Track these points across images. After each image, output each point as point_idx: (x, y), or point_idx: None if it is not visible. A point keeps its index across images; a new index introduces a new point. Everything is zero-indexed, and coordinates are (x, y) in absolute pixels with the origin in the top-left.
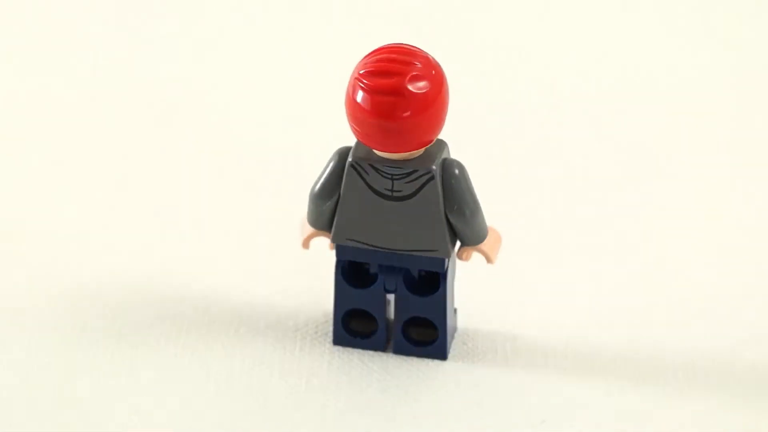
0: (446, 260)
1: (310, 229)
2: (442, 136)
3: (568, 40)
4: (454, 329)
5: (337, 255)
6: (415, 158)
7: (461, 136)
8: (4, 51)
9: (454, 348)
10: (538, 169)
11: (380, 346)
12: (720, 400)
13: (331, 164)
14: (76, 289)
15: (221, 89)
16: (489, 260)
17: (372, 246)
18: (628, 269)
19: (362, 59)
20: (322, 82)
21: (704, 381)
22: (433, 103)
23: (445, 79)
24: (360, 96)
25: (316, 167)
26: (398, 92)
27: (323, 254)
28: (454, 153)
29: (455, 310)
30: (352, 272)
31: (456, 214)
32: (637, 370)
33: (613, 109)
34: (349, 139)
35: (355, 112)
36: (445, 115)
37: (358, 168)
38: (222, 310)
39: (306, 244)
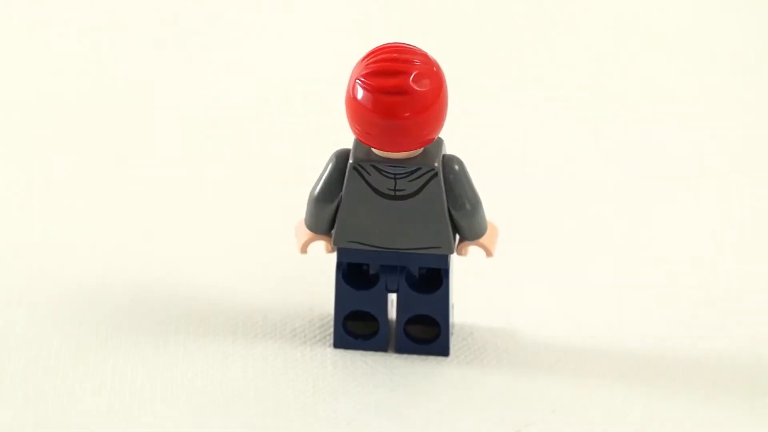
0: (449, 257)
1: (306, 234)
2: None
3: (571, 36)
4: (453, 325)
5: (339, 257)
6: (416, 156)
7: (461, 133)
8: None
9: (454, 344)
10: (539, 167)
11: (382, 346)
12: (723, 401)
13: (330, 167)
14: (74, 291)
15: (219, 91)
16: (489, 253)
17: (374, 247)
18: (630, 268)
19: (361, 59)
20: (321, 85)
21: (707, 383)
22: (435, 101)
23: (444, 77)
24: (364, 96)
25: (314, 170)
26: (403, 91)
27: (320, 258)
28: (455, 150)
29: (453, 306)
30: (352, 274)
31: (459, 210)
32: (640, 368)
33: (616, 108)
34: (347, 141)
35: (358, 112)
36: (446, 112)
37: (360, 169)
38: (220, 316)
39: (304, 249)
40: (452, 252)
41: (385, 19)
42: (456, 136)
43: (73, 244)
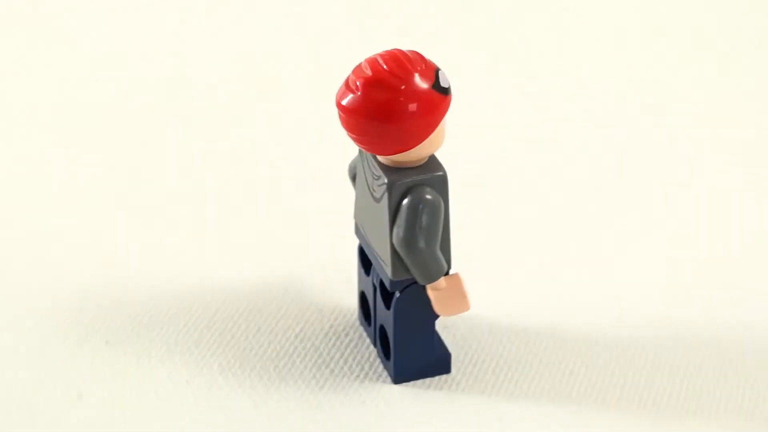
0: (391, 280)
1: None
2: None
3: (571, 36)
4: (442, 367)
5: (355, 232)
6: (396, 168)
7: (465, 132)
8: (5, 51)
9: (423, 382)
10: (537, 168)
11: (373, 341)
12: (726, 399)
13: None
14: (73, 291)
15: (220, 91)
16: (434, 307)
17: (363, 233)
18: (629, 270)
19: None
20: (323, 85)
21: (709, 383)
22: (384, 119)
23: (428, 99)
24: (341, 84)
25: (336, 157)
26: (358, 89)
27: (326, 254)
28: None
29: (448, 354)
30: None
31: (395, 238)
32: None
33: (615, 108)
34: (347, 141)
35: None
36: (412, 140)
37: (363, 154)
38: (224, 314)
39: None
40: (389, 276)
41: (386, 21)
42: (455, 135)
43: (72, 245)
